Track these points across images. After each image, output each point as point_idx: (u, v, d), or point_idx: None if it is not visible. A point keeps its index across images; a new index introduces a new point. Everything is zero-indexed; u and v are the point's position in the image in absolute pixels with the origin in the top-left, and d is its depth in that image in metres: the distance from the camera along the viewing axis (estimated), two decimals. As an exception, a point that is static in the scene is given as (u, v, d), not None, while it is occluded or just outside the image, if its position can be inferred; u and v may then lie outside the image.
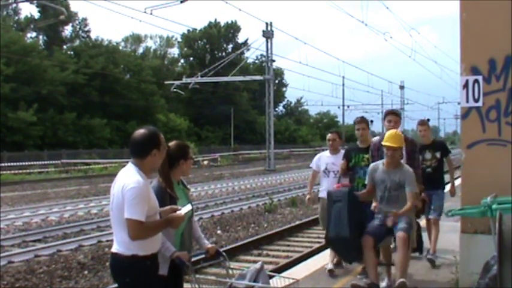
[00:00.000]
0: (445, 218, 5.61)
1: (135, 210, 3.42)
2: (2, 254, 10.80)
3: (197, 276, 4.07)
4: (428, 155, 7.62)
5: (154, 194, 3.71)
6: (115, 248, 3.62)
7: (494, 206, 4.73)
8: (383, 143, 5.84)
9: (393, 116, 6.50)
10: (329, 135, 7.52)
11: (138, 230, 3.44)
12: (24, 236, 12.95)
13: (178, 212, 3.75)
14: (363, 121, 6.97)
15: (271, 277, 4.28)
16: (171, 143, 4.32)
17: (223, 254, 4.34)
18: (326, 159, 7.40)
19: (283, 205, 18.28)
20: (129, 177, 3.52)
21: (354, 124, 7.25)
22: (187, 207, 3.88)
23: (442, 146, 7.95)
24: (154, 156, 3.61)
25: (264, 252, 11.22)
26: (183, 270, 4.08)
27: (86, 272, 9.81)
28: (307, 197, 8.03)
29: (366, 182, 6.06)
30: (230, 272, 4.23)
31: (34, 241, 12.59)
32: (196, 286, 4.01)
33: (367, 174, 6.06)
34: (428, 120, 8.36)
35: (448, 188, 8.51)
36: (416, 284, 6.31)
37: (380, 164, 5.93)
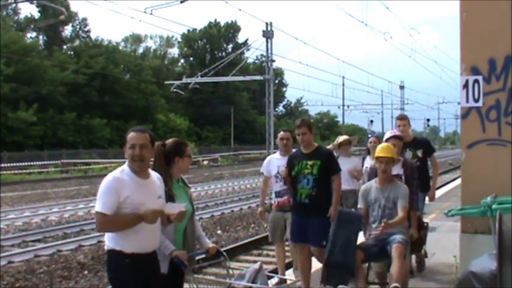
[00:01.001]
0: (445, 218, 5.59)
1: (99, 202, 3.53)
2: (2, 254, 10.81)
3: (196, 275, 4.07)
4: (408, 154, 6.85)
5: (143, 190, 3.66)
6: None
7: (494, 206, 4.73)
8: (375, 155, 5.56)
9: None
10: (282, 134, 6.76)
11: (101, 222, 3.53)
12: (24, 236, 12.95)
13: (158, 208, 3.70)
14: (303, 125, 6.03)
15: (269, 278, 4.28)
16: (168, 141, 4.36)
17: (224, 254, 4.34)
18: (277, 161, 6.64)
19: (283, 205, 18.25)
20: (109, 173, 3.70)
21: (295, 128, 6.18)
22: (178, 206, 3.85)
23: (424, 144, 7.32)
24: (125, 152, 3.72)
25: (264, 252, 11.22)
26: (181, 269, 4.09)
27: (86, 272, 9.81)
28: (259, 209, 7.23)
29: (359, 206, 5.65)
30: (230, 271, 4.23)
31: (34, 241, 12.59)
32: (194, 286, 4.01)
33: (360, 196, 5.65)
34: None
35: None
36: (416, 284, 6.30)
37: (373, 183, 5.61)
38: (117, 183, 3.57)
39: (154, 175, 3.84)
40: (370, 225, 5.55)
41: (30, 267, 9.99)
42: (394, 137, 6.12)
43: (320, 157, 5.94)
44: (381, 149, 5.55)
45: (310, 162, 5.88)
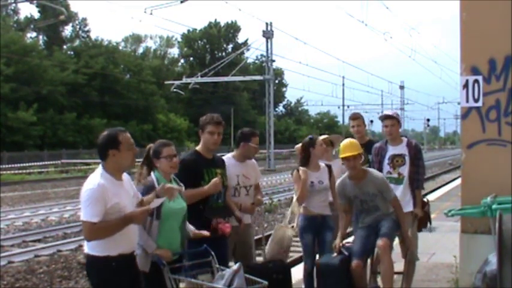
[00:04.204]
0: (445, 218, 5.59)
1: (87, 211, 3.46)
2: (2, 254, 10.81)
3: (175, 276, 4.08)
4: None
5: (123, 193, 3.65)
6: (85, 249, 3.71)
7: (494, 206, 4.74)
8: (340, 156, 5.30)
9: (389, 121, 5.80)
10: (256, 139, 5.40)
11: (90, 230, 3.47)
12: (24, 236, 12.95)
13: (140, 208, 3.70)
14: (220, 122, 4.85)
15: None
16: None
17: (212, 253, 4.33)
18: (233, 169, 5.14)
19: (283, 205, 18.28)
20: (88, 180, 3.58)
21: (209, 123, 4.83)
22: (158, 200, 3.96)
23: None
24: (114, 156, 3.59)
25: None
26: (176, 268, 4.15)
27: (85, 272, 9.80)
28: None
29: (340, 202, 5.49)
30: (217, 272, 4.23)
31: (34, 241, 12.59)
32: (169, 286, 4.05)
33: (338, 193, 5.43)
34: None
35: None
36: (416, 284, 6.30)
37: (346, 179, 5.36)
38: (103, 190, 3.50)
39: (125, 174, 3.81)
40: (360, 216, 5.43)
41: (30, 267, 9.99)
42: (386, 117, 5.89)
43: (223, 165, 5.00)
44: (345, 148, 5.29)
45: (218, 171, 4.85)
